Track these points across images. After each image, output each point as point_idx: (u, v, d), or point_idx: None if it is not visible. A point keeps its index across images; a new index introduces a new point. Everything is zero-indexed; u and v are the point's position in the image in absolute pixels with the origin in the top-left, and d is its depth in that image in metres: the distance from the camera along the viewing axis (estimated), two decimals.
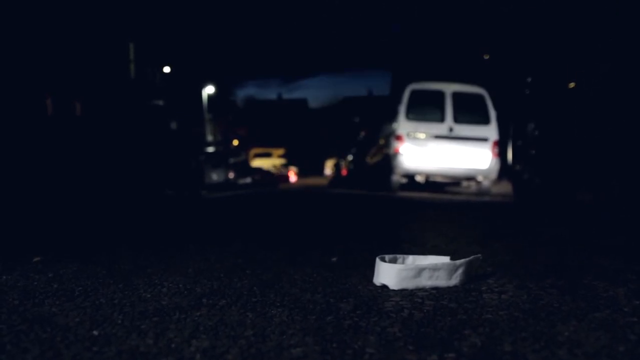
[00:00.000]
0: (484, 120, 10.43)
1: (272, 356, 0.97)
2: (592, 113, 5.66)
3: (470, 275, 1.61)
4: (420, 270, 1.52)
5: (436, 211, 5.17)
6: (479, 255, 1.65)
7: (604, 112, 5.40)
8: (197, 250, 2.38)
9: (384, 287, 1.54)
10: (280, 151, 51.60)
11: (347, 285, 1.60)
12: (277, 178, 32.55)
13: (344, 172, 28.74)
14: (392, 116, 11.42)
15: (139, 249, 2.44)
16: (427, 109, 10.55)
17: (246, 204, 6.87)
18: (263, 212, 5.28)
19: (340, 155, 40.59)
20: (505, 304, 1.35)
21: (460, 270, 1.56)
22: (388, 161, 11.19)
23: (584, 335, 1.08)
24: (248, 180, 23.72)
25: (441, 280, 1.54)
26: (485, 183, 10.58)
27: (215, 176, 18.01)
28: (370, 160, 16.03)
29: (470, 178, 10.82)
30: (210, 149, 20.43)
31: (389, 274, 1.53)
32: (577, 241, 2.72)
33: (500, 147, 10.41)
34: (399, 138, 10.51)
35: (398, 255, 1.69)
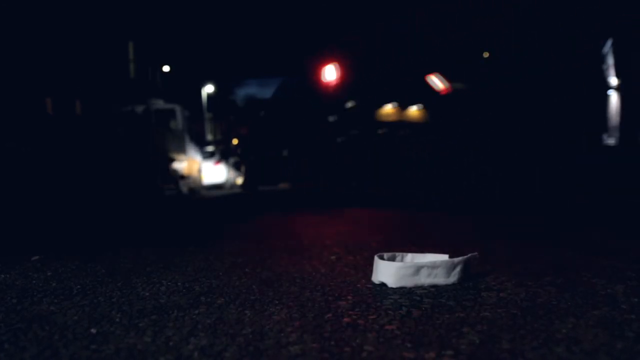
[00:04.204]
0: None
1: (270, 354, 0.97)
2: None
3: (469, 273, 1.61)
4: (418, 268, 1.52)
5: (437, 208, 5.17)
6: (476, 253, 1.65)
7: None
8: (197, 249, 2.38)
9: (383, 285, 1.54)
10: None
11: (345, 283, 1.60)
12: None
13: None
14: None
15: (138, 248, 2.44)
16: None
17: (246, 203, 6.86)
18: (263, 210, 5.27)
19: None
20: (504, 302, 1.35)
21: (458, 268, 1.56)
22: None
23: (582, 332, 1.08)
24: None
25: (440, 278, 1.54)
26: None
27: (214, 175, 17.99)
28: None
29: None
30: (210, 148, 20.41)
31: (388, 272, 1.53)
32: (576, 240, 2.72)
33: None
34: None
35: (397, 253, 1.69)
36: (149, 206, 6.35)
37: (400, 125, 6.04)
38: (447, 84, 6.80)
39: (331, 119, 6.19)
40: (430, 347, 1.00)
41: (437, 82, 6.82)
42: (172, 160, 9.65)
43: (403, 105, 6.34)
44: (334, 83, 6.38)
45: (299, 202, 6.73)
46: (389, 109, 6.36)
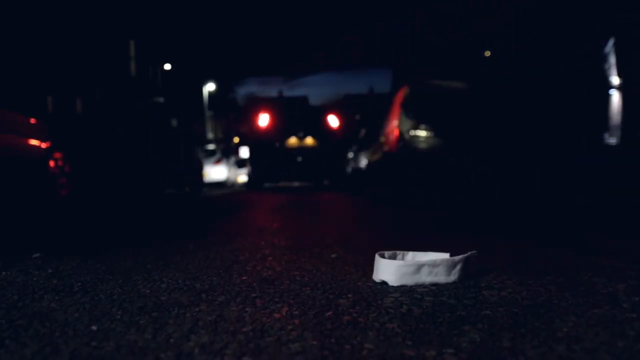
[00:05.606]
0: None
1: (270, 351, 0.97)
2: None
3: (469, 272, 1.61)
4: (419, 267, 1.52)
5: (438, 207, 5.18)
6: (475, 251, 1.65)
7: None
8: (198, 247, 2.38)
9: (384, 283, 1.54)
10: None
11: (346, 282, 1.60)
12: None
13: None
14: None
15: (139, 246, 2.44)
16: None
17: (246, 202, 6.87)
18: (264, 209, 5.27)
19: None
20: (505, 300, 1.35)
21: (459, 267, 1.56)
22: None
23: (583, 331, 1.08)
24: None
25: (440, 277, 1.54)
26: None
27: (215, 173, 18.02)
28: (371, 158, 16.07)
29: None
30: (211, 146, 20.41)
31: (389, 270, 1.53)
32: (576, 240, 2.72)
33: None
34: None
35: (398, 252, 1.69)
36: (149, 205, 6.35)
37: (302, 149, 10.67)
38: (340, 122, 11.04)
39: (276, 144, 10.75)
40: (431, 346, 1.00)
41: (334, 120, 10.87)
42: (172, 158, 9.65)
43: (301, 137, 10.68)
44: (265, 126, 10.54)
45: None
46: (293, 139, 10.66)
